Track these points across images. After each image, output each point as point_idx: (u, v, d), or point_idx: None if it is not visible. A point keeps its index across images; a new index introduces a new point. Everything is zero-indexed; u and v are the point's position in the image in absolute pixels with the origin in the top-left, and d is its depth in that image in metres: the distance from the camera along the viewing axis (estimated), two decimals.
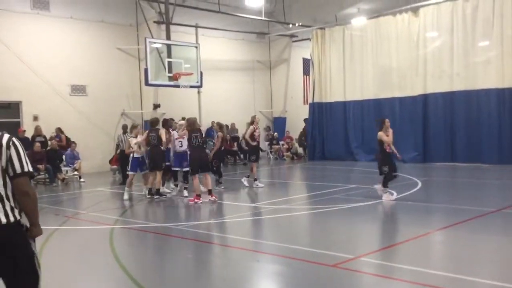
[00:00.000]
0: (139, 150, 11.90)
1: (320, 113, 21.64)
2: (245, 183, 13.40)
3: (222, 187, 13.17)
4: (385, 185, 10.32)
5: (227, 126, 20.26)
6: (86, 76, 18.56)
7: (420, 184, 12.64)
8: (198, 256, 7.04)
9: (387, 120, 10.62)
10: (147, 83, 15.13)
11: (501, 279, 5.34)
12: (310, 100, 22.19)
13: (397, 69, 19.12)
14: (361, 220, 8.84)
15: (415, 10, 18.46)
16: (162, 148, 11.98)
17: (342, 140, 20.91)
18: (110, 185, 15.34)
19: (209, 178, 11.21)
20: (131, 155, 12.03)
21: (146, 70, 14.73)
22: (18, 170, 3.20)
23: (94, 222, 9.44)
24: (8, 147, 3.21)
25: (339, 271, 5.81)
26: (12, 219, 3.16)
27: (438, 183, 14.14)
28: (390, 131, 10.47)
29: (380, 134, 10.37)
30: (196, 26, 20.07)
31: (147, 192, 12.02)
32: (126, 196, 11.88)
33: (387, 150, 10.28)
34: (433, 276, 5.50)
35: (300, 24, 22.15)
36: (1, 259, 3.14)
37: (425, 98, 18.26)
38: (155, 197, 11.83)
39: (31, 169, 3.29)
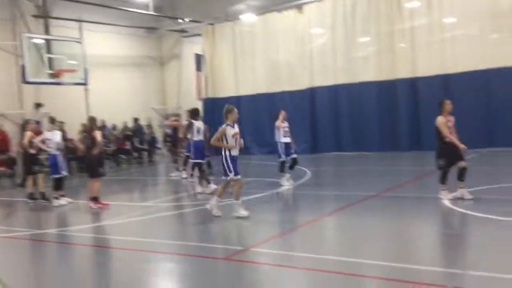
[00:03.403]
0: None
1: (214, 108, 21.67)
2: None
3: None
4: (442, 181, 8.51)
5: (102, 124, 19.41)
6: None
7: (309, 174, 13.21)
8: (88, 262, 6.72)
9: (448, 102, 8.53)
10: (24, 81, 14.07)
11: (386, 259, 5.77)
12: (203, 96, 22.21)
13: (286, 64, 19.80)
14: (252, 212, 8.95)
15: (299, 7, 19.22)
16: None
17: None
18: None
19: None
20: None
21: (23, 67, 13.69)
22: None
23: None
24: None
25: (231, 263, 5.88)
26: None
27: (325, 172, 14.90)
28: (452, 117, 8.56)
29: (440, 120, 8.40)
30: (79, 20, 19.01)
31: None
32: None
33: (446, 140, 8.36)
34: (323, 261, 5.76)
35: (190, 19, 21.98)
36: None
37: (312, 92, 19.12)
38: (43, 201, 11.23)
39: None
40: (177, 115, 17.02)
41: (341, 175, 14.38)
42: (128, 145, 20.62)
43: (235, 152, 8.32)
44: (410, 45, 17.04)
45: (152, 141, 21.57)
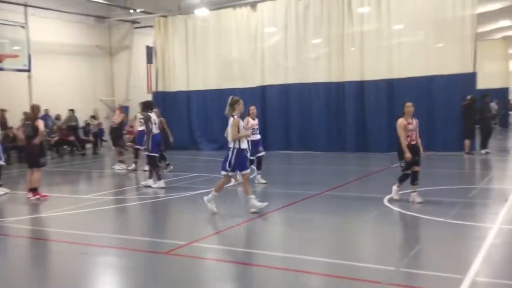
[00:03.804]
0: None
1: (164, 102, 21.42)
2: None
3: None
4: (399, 180, 8.64)
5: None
6: None
7: (256, 172, 13.27)
8: (24, 254, 6.48)
9: (408, 104, 8.43)
10: None
11: (327, 255, 5.92)
12: (153, 89, 21.89)
13: (238, 61, 19.85)
14: (196, 207, 8.89)
15: (253, 5, 19.31)
16: None
17: (185, 129, 21.02)
18: None
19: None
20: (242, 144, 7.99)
21: None
22: None
23: None
24: None
25: (171, 257, 5.84)
26: None
27: (273, 170, 14.98)
28: (415, 120, 8.48)
29: (399, 122, 8.37)
30: (25, 5, 18.25)
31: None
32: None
33: (405, 142, 8.29)
34: (264, 256, 5.83)
35: (142, 10, 21.58)
36: None
37: (263, 90, 19.25)
38: None
39: None
40: (125, 107, 16.70)
41: (287, 173, 14.57)
42: (72, 136, 20.03)
43: (244, 145, 7.93)
44: (359, 49, 17.48)
45: (98, 133, 21.03)
